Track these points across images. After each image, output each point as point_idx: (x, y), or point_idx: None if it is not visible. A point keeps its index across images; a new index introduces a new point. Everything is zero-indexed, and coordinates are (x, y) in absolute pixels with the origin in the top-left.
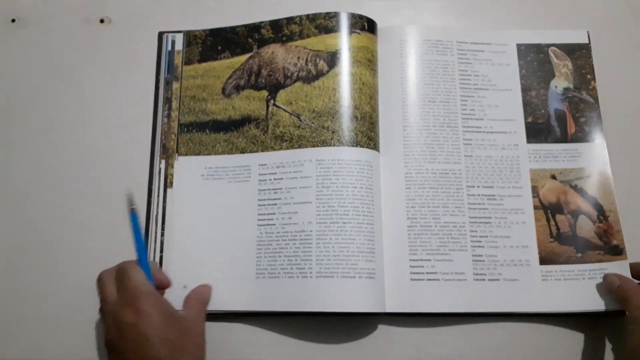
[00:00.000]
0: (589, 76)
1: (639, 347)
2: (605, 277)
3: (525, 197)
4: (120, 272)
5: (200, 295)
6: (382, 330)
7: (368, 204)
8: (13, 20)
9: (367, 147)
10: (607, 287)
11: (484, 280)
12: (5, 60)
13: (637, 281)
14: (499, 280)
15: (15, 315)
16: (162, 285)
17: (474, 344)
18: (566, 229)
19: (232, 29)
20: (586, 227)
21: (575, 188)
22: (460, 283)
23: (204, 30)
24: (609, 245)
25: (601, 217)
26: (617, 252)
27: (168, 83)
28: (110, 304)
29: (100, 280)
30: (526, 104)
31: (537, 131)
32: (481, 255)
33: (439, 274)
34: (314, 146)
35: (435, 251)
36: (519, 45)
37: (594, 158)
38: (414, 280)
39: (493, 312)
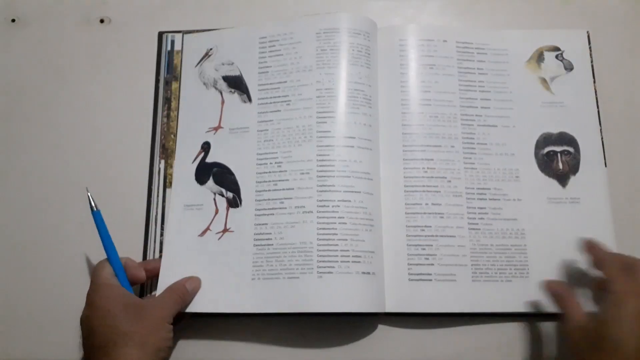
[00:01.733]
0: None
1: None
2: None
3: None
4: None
5: (179, 284)
6: (382, 330)
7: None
8: (13, 20)
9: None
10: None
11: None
12: (5, 60)
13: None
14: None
15: (15, 315)
16: (134, 279)
17: (473, 344)
18: None
19: None
20: None
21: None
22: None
23: None
24: None
25: None
26: None
27: (167, 83)
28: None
29: None
30: None
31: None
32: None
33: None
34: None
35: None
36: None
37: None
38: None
39: (492, 312)
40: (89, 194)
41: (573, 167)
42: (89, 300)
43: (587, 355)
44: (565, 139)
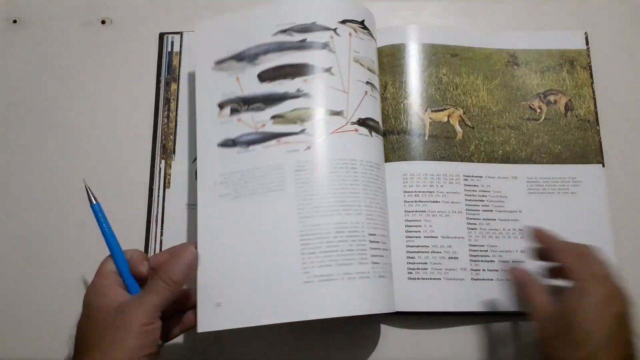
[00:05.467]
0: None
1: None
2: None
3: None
4: None
5: (164, 268)
6: (384, 329)
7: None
8: (14, 21)
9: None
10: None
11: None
12: (6, 61)
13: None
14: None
15: (15, 315)
16: (136, 276)
17: (473, 343)
18: None
19: None
20: None
21: None
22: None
23: None
24: None
25: None
26: None
27: (167, 84)
28: None
29: None
30: None
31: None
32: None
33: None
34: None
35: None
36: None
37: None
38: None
39: (491, 312)
40: (86, 185)
41: None
42: (83, 301)
43: (555, 344)
44: None
